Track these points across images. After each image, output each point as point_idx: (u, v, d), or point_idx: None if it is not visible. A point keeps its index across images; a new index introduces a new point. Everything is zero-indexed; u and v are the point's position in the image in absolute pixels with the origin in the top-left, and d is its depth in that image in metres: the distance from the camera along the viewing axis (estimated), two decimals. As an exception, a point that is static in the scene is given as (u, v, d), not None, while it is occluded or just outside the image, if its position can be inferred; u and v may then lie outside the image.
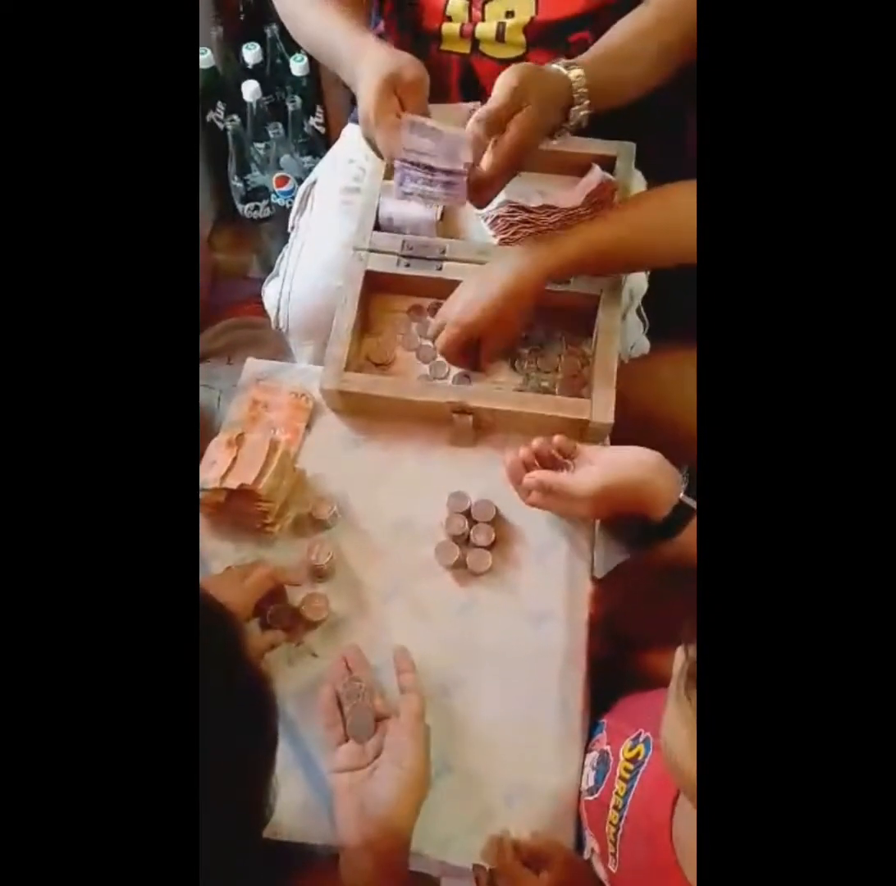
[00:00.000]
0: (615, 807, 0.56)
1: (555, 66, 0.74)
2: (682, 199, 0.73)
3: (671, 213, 0.74)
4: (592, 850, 0.60)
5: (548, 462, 0.67)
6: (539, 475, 0.66)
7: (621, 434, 0.77)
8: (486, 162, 0.71)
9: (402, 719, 0.60)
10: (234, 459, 0.70)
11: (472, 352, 0.77)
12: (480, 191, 0.73)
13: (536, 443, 0.68)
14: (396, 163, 0.72)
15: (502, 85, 0.71)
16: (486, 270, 0.75)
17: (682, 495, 0.60)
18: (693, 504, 0.59)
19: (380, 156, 0.74)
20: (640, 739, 0.58)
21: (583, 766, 0.64)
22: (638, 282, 0.90)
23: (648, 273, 0.90)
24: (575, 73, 0.73)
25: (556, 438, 0.67)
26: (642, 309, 0.92)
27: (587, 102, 0.73)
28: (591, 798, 0.61)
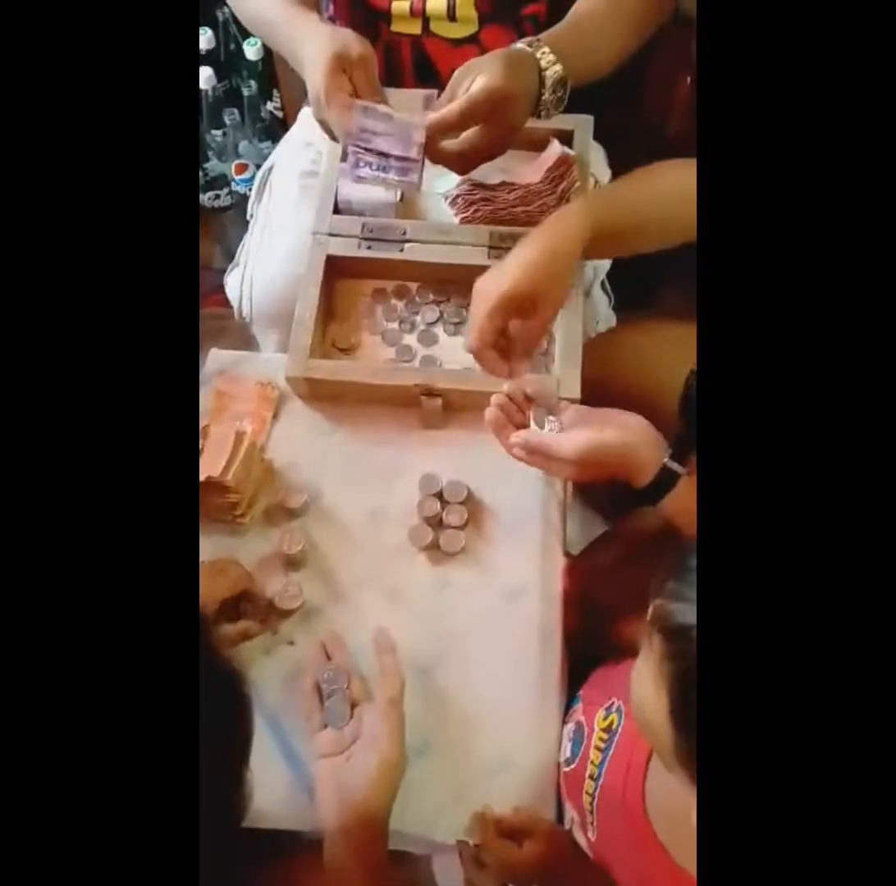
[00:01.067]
0: (591, 776, 0.57)
1: (522, 46, 0.72)
2: (676, 177, 0.70)
3: (670, 193, 0.69)
4: (572, 820, 0.61)
5: (524, 404, 0.67)
6: (524, 434, 0.65)
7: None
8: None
9: (377, 703, 0.60)
10: (200, 452, 0.70)
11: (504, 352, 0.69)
12: (448, 160, 0.71)
13: (507, 386, 0.66)
14: (350, 149, 0.71)
15: (450, 82, 0.70)
16: (503, 261, 0.69)
17: (666, 460, 0.60)
18: (678, 469, 0.59)
19: (333, 138, 0.73)
20: (614, 708, 0.59)
21: (561, 739, 0.64)
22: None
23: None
24: (541, 50, 0.71)
25: (530, 378, 0.66)
26: (606, 283, 0.92)
27: (558, 84, 0.72)
28: (568, 768, 0.61)
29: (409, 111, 0.71)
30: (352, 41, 0.70)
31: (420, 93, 0.79)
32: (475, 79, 0.69)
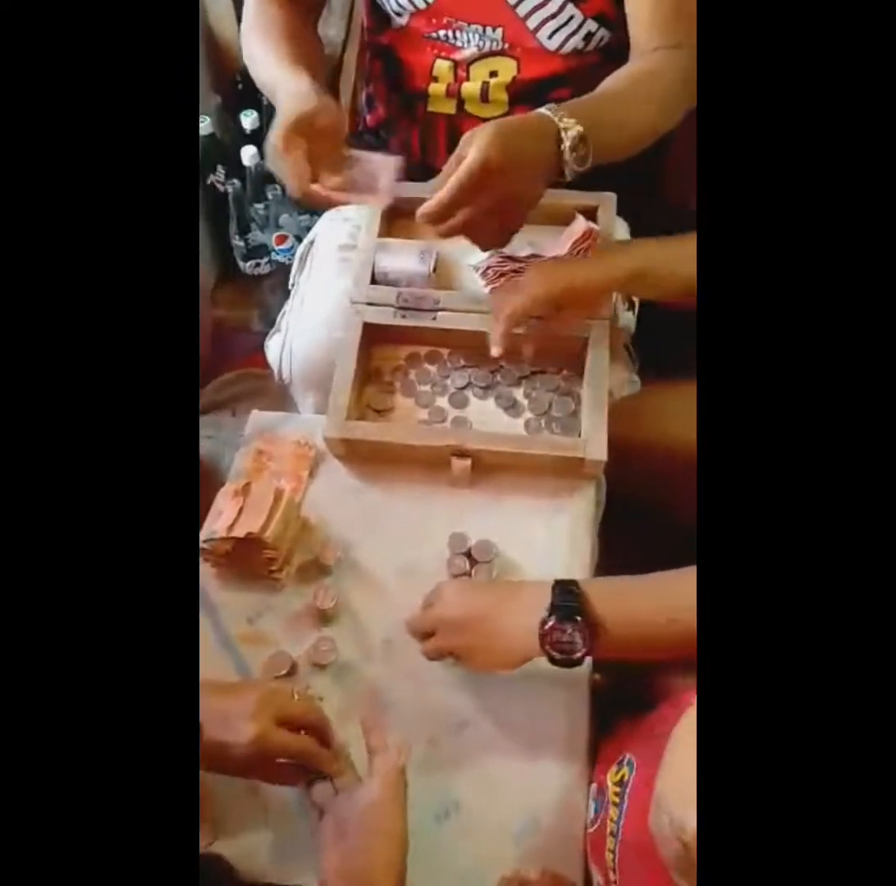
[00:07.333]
0: (611, 834, 0.57)
1: (542, 110, 0.73)
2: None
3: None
4: (598, 884, 0.60)
5: None
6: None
7: (618, 470, 0.80)
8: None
9: (374, 781, 0.56)
10: (241, 509, 0.73)
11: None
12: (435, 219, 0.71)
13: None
14: None
15: (454, 154, 0.70)
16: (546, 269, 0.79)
17: None
18: None
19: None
20: (624, 762, 0.59)
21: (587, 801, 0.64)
22: (626, 321, 0.93)
23: (637, 311, 0.94)
24: (559, 113, 0.72)
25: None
26: (631, 347, 0.95)
27: (578, 142, 0.71)
28: (591, 830, 0.61)
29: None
30: (322, 109, 0.73)
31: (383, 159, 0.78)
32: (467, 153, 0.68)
